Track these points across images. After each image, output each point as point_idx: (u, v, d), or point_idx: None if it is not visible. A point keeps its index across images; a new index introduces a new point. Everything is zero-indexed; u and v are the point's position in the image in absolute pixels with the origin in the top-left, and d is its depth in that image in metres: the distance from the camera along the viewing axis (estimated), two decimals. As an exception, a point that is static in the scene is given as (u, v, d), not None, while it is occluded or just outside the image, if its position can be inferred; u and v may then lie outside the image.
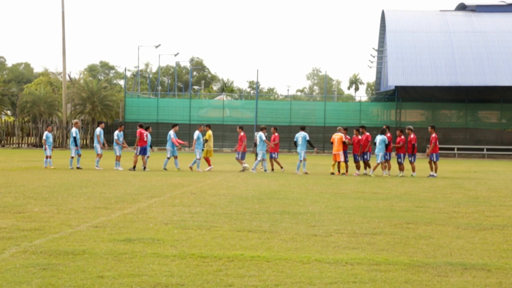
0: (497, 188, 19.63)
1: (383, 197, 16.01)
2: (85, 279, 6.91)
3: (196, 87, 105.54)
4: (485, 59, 51.19)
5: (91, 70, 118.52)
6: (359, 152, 25.61)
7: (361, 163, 25.92)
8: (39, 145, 56.10)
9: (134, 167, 25.61)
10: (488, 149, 52.43)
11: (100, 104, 61.93)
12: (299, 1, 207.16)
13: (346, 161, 25.57)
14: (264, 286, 6.83)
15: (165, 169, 25.91)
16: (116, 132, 26.80)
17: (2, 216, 11.30)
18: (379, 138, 25.09)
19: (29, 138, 58.16)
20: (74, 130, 26.43)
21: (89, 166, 26.84)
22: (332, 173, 25.32)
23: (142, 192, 16.13)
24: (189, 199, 14.76)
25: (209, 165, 26.45)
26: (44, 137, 26.80)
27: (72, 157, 26.28)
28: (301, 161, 25.45)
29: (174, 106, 56.83)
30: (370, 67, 68.27)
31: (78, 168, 25.81)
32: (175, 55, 69.42)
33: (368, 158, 25.90)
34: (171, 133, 26.25)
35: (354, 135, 26.10)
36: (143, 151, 25.81)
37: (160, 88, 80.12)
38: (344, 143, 25.47)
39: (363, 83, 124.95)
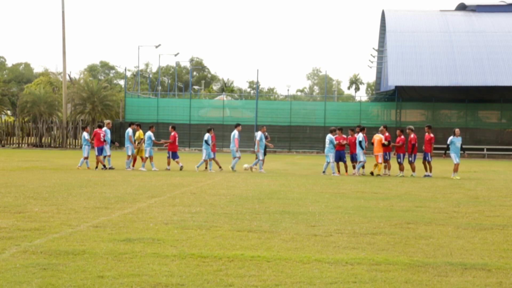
0: (497, 188, 19.63)
1: (383, 197, 16.01)
2: (85, 279, 6.91)
3: (196, 87, 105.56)
4: (485, 59, 51.18)
5: (91, 70, 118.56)
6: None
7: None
8: (39, 145, 56.12)
9: (96, 167, 25.74)
10: (488, 149, 52.41)
11: (100, 104, 61.96)
12: (299, 1, 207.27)
13: (397, 161, 25.45)
14: (264, 286, 6.83)
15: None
16: (149, 133, 26.87)
17: (2, 216, 11.30)
18: (452, 138, 25.00)
19: (29, 138, 58.13)
20: (104, 130, 26.43)
21: (119, 167, 26.85)
22: (372, 173, 25.18)
23: (142, 192, 16.13)
24: (189, 199, 14.76)
25: (135, 164, 26.59)
26: (87, 136, 26.61)
27: (104, 157, 26.31)
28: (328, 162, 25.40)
29: (174, 106, 56.81)
30: (370, 67, 68.26)
31: (110, 168, 25.81)
32: (175, 55, 69.46)
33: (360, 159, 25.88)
34: (236, 133, 26.29)
35: (350, 135, 26.08)
36: (100, 151, 25.84)
37: (160, 88, 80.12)
38: (383, 144, 25.33)
39: (363, 83, 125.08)
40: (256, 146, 26.14)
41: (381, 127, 26.41)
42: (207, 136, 26.20)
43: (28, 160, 32.27)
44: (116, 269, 7.39)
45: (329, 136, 25.53)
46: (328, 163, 25.50)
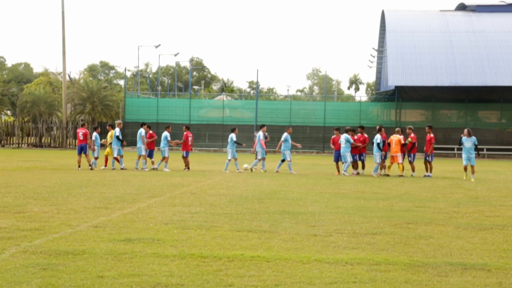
0: (497, 188, 19.63)
1: (383, 197, 16.02)
2: (85, 279, 6.92)
3: (196, 87, 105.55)
4: (485, 59, 51.16)
5: (91, 70, 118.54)
6: (357, 152, 25.59)
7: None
8: (39, 145, 56.12)
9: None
10: (488, 149, 52.40)
11: (100, 104, 61.94)
12: (299, 1, 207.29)
13: (411, 162, 25.20)
14: (264, 286, 6.83)
15: (254, 170, 26.32)
16: (166, 133, 26.81)
17: (2, 216, 11.30)
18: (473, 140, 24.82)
19: (29, 138, 58.09)
20: (117, 130, 26.51)
21: (128, 167, 26.83)
22: (387, 175, 25.06)
23: (142, 192, 16.13)
24: (189, 199, 14.76)
25: (106, 165, 26.74)
26: (92, 137, 26.76)
27: (115, 158, 26.41)
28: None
29: (174, 106, 56.80)
30: (370, 67, 68.22)
31: (112, 169, 25.88)
32: (175, 55, 69.43)
33: (364, 159, 25.82)
34: (260, 134, 26.34)
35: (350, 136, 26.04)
36: (80, 150, 25.96)
37: (160, 88, 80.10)
38: (403, 145, 25.24)
39: (363, 83, 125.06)
40: (281, 146, 26.26)
41: (397, 128, 26.33)
42: (235, 136, 26.25)
43: (28, 160, 32.26)
44: (116, 269, 7.39)
45: (345, 136, 25.38)
46: (349, 162, 25.28)
